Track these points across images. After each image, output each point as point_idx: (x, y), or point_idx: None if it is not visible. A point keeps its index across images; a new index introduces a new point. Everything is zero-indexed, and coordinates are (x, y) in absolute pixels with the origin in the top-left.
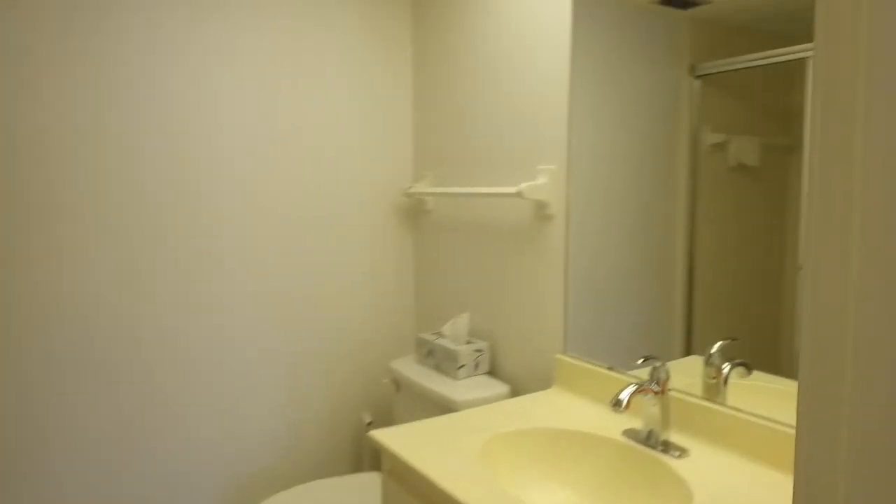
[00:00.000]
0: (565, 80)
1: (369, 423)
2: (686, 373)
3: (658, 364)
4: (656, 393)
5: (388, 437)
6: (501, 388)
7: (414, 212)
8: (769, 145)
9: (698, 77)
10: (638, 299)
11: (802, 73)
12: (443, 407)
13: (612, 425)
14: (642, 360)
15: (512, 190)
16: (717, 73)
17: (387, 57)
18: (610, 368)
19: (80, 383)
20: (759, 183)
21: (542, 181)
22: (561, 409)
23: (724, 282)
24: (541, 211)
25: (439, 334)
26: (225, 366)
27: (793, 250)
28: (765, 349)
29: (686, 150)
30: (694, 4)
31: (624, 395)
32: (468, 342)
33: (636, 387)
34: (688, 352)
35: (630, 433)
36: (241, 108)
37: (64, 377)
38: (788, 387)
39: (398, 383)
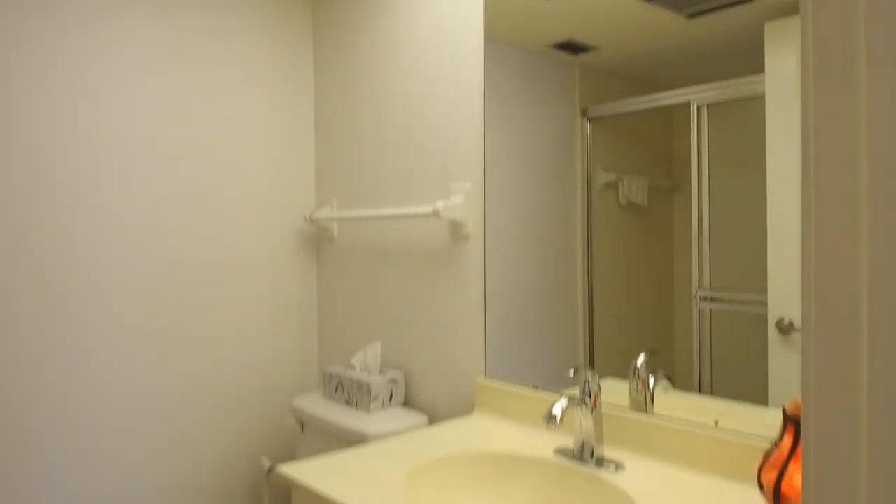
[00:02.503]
0: (479, 97)
1: (270, 470)
2: (602, 393)
3: (590, 376)
4: (587, 406)
5: (301, 472)
6: (419, 417)
7: (317, 239)
8: (655, 186)
9: (590, 119)
10: (548, 320)
11: (686, 117)
12: (355, 443)
13: (542, 444)
14: (573, 372)
15: (427, 209)
16: (606, 116)
17: (285, 70)
18: (535, 387)
19: None
20: (647, 219)
21: (458, 200)
22: (487, 433)
23: (620, 305)
24: (457, 231)
25: (349, 366)
26: (99, 408)
27: (680, 278)
28: (663, 366)
29: (581, 186)
30: (584, 50)
31: (557, 410)
32: (381, 373)
33: (568, 400)
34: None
35: (562, 451)
36: (122, 124)
37: None
38: (701, 401)
39: (303, 422)
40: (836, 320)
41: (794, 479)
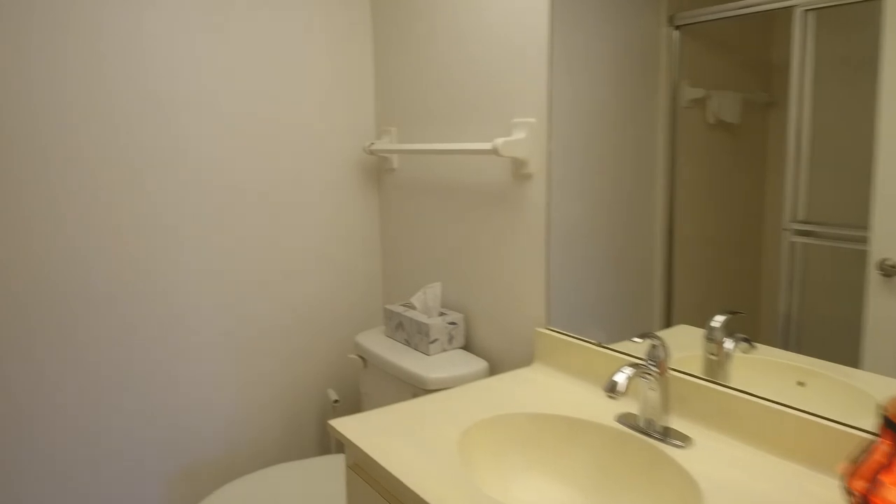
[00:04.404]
0: (545, 19)
1: (336, 402)
2: (675, 346)
3: (657, 342)
4: (654, 374)
5: (352, 429)
6: (478, 364)
7: (378, 171)
8: (749, 101)
9: (677, 27)
10: (618, 266)
11: (788, 23)
12: (414, 385)
13: (604, 409)
14: (640, 337)
15: (486, 146)
16: (697, 23)
17: None
18: (598, 344)
19: (13, 361)
20: (737, 140)
21: (520, 136)
22: (545, 389)
23: (703, 245)
24: (518, 169)
25: (409, 306)
26: (176, 346)
27: (772, 211)
28: (751, 318)
29: (664, 105)
30: None
31: (620, 379)
32: (441, 314)
33: (633, 369)
34: (668, 322)
35: (625, 419)
36: (176, 56)
37: None
38: (784, 359)
39: (365, 359)
40: None
41: (890, 494)
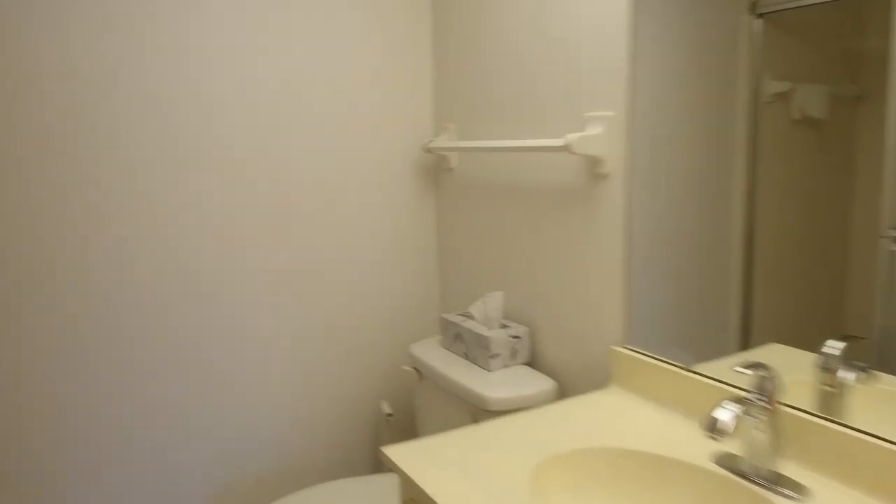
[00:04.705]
0: (624, 4)
1: (389, 415)
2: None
3: (766, 373)
4: (763, 411)
5: (408, 460)
6: (545, 383)
7: (436, 170)
8: (837, 95)
9: (760, 15)
10: (699, 276)
11: (886, 9)
12: (473, 404)
13: (698, 446)
14: (747, 367)
15: (557, 142)
16: (782, 10)
17: None
18: (686, 368)
19: (60, 371)
20: (825, 137)
21: (596, 131)
22: (626, 418)
23: (786, 252)
24: (593, 168)
25: (468, 315)
26: (223, 353)
27: (863, 215)
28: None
29: (745, 99)
30: None
31: (725, 417)
32: (503, 326)
33: (738, 406)
34: (746, 338)
35: (725, 460)
36: (228, 52)
37: (43, 361)
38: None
39: (420, 371)
40: None
41: None
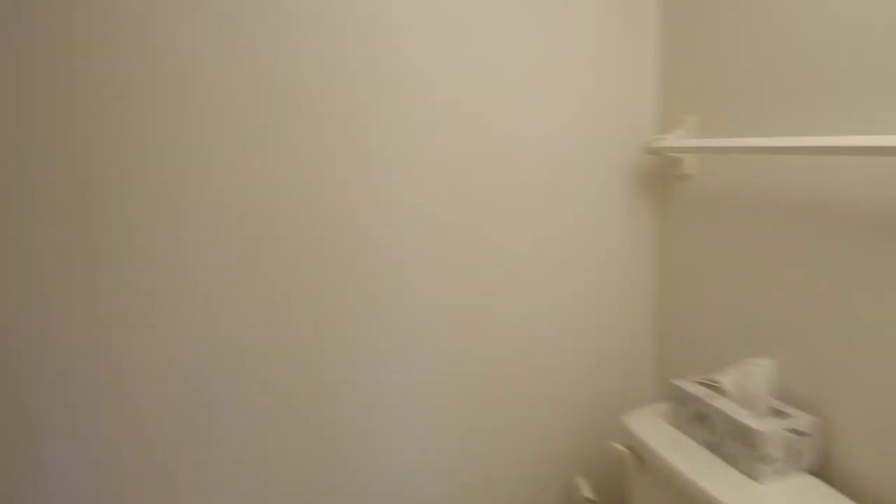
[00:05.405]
0: None
1: (591, 501)
2: None
3: None
4: None
5: None
6: None
7: (661, 179)
8: None
9: None
10: None
11: None
12: None
13: None
14: None
15: (888, 142)
16: None
17: None
18: None
19: (215, 411)
20: None
21: None
22: None
23: None
24: None
25: (715, 387)
26: (380, 402)
27: None
28: None
29: None
30: None
31: None
32: (774, 411)
33: None
34: None
35: None
36: (409, 43)
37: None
38: None
39: (642, 457)
40: None
41: None
